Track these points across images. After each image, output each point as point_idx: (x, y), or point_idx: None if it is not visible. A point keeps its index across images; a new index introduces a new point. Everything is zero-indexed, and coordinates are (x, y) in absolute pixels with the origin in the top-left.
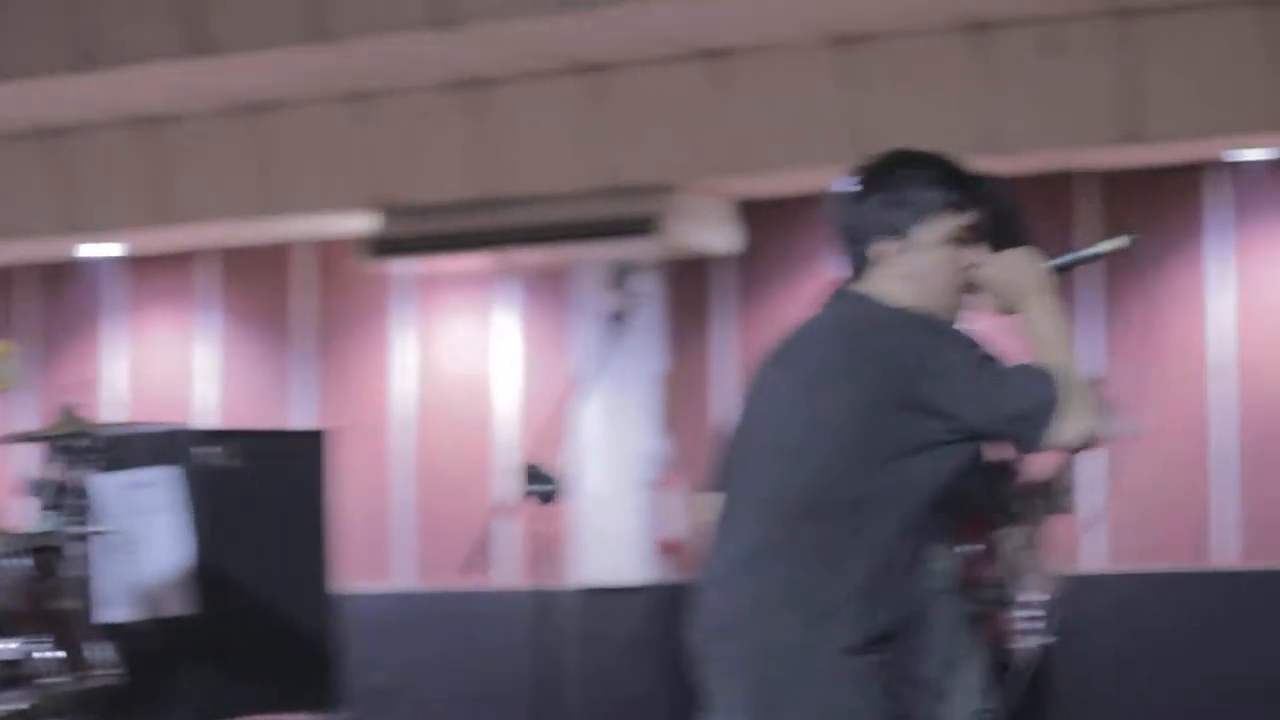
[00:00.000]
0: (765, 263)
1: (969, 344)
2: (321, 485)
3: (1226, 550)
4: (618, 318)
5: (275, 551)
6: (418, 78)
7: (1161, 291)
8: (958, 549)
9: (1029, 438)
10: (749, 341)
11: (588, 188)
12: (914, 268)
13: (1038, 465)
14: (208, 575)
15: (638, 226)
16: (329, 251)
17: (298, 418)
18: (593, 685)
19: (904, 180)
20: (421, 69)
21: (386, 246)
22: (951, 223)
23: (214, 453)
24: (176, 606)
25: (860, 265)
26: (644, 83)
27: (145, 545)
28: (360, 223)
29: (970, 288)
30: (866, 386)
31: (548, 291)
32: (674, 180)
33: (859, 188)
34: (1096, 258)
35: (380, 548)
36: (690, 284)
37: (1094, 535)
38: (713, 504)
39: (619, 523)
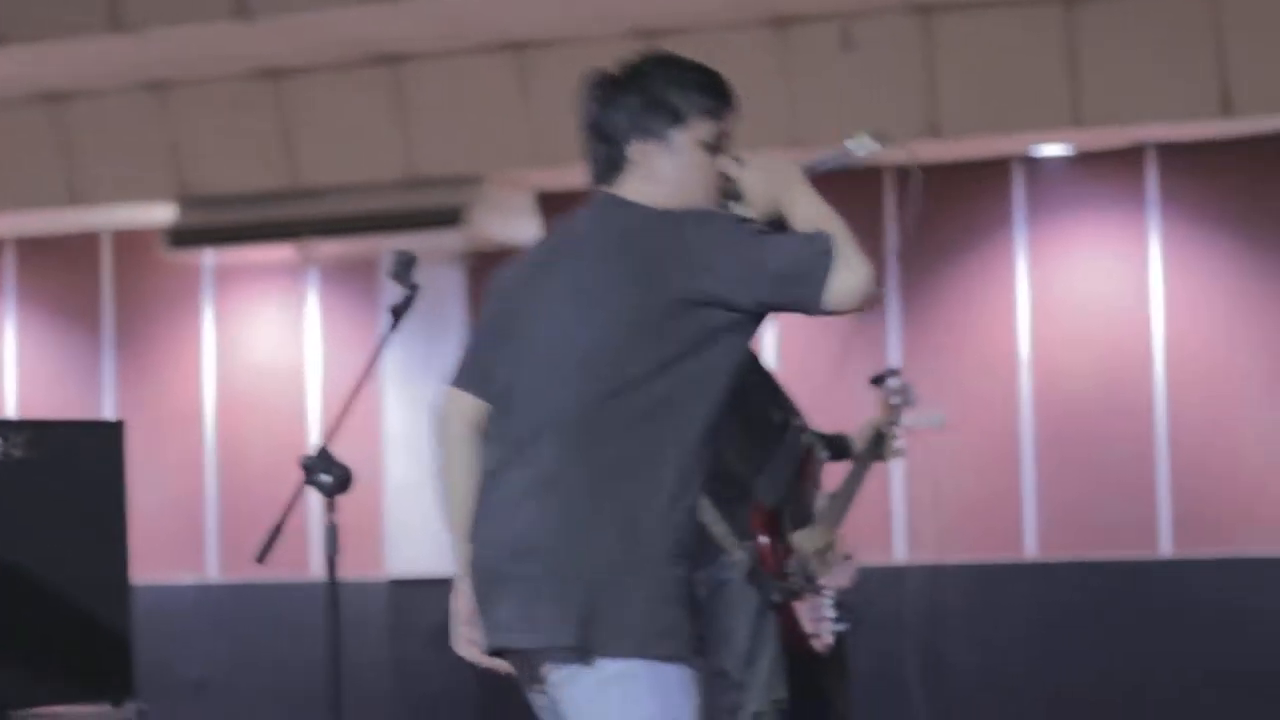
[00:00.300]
0: None
1: (735, 221)
2: (119, 477)
3: (1031, 544)
4: (397, 309)
5: (68, 544)
6: (218, 67)
7: (969, 285)
8: (751, 541)
9: (808, 298)
10: None
11: (391, 179)
12: (671, 171)
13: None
14: None
15: (442, 218)
16: (131, 241)
17: (101, 409)
18: (400, 678)
19: (662, 83)
20: (222, 59)
21: (187, 236)
22: (709, 128)
23: (2, 442)
24: None
25: (611, 167)
26: (446, 74)
27: None
28: (162, 213)
29: (726, 194)
30: (644, 291)
31: (354, 283)
32: (477, 172)
33: (614, 87)
34: (849, 163)
35: (192, 539)
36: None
37: (895, 528)
38: (463, 403)
39: (424, 514)
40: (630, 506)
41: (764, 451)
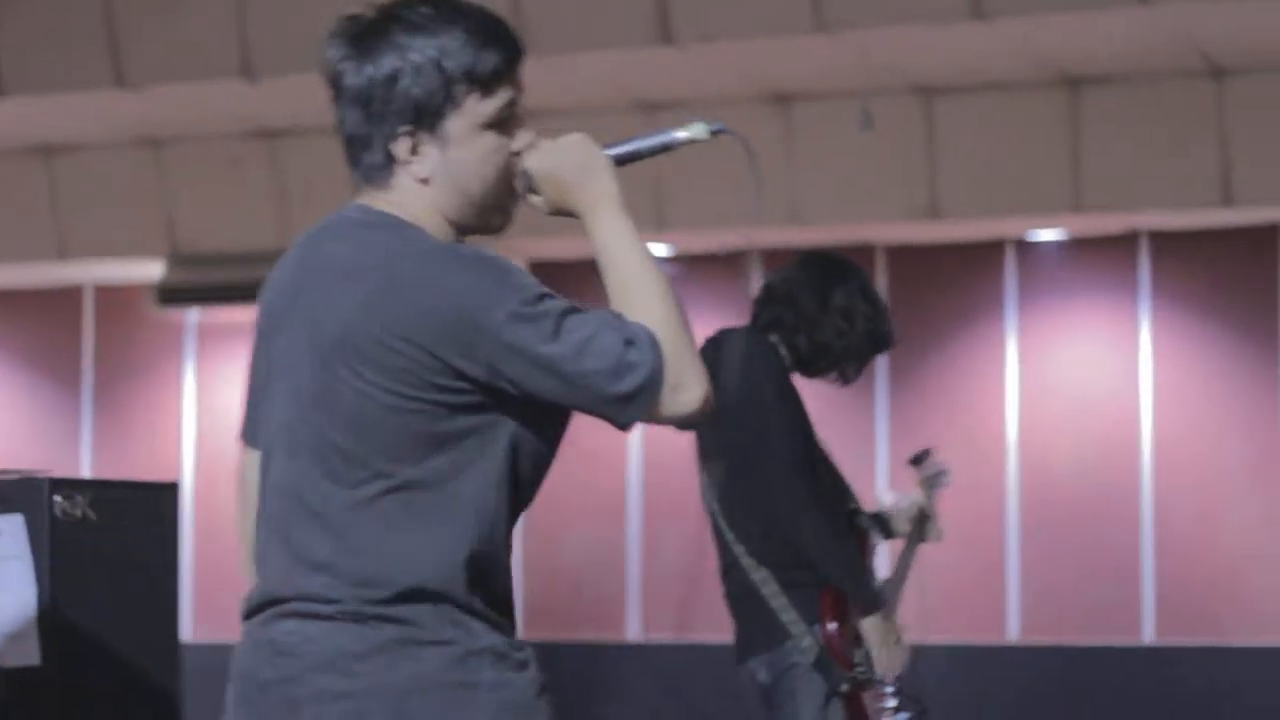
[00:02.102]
0: None
1: (531, 288)
2: (172, 537)
3: (1014, 627)
4: None
5: (123, 603)
6: (217, 125)
7: (959, 367)
8: (819, 626)
9: (626, 418)
10: None
11: None
12: (445, 166)
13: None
14: (52, 626)
15: None
16: (114, 297)
17: (78, 466)
18: None
19: (418, 44)
20: (221, 117)
21: (176, 295)
22: (494, 100)
23: (66, 502)
24: (20, 657)
25: (371, 160)
26: None
27: None
28: (145, 269)
29: (514, 184)
30: (402, 354)
31: None
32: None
33: (353, 51)
34: (667, 148)
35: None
36: None
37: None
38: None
39: None
40: None
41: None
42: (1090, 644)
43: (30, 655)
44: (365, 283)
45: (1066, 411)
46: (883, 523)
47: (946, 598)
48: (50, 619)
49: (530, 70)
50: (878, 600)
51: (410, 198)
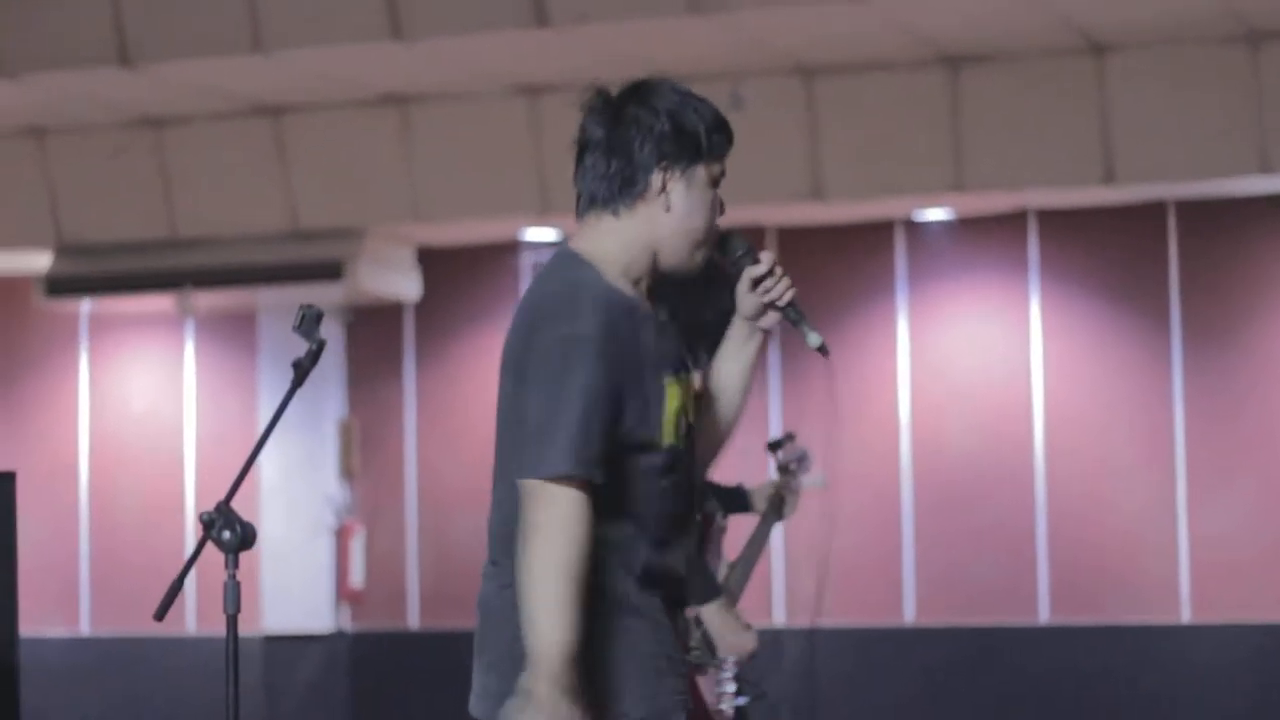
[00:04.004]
0: (444, 311)
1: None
2: (8, 528)
3: (910, 609)
4: (301, 364)
5: None
6: (99, 115)
7: (850, 348)
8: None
9: (520, 476)
10: (425, 388)
11: (271, 231)
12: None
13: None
14: None
15: (322, 271)
16: (7, 289)
17: None
18: None
19: (684, 110)
20: (102, 106)
21: (64, 285)
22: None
23: None
24: None
25: (625, 185)
26: (328, 126)
27: None
28: (39, 260)
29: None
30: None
31: (234, 335)
32: (358, 225)
33: (627, 105)
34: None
35: (65, 592)
36: (375, 330)
37: (774, 591)
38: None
39: (300, 570)
40: None
41: None
42: (986, 624)
43: None
44: None
45: (958, 391)
46: (736, 497)
47: (842, 580)
48: None
49: (404, 56)
50: (714, 590)
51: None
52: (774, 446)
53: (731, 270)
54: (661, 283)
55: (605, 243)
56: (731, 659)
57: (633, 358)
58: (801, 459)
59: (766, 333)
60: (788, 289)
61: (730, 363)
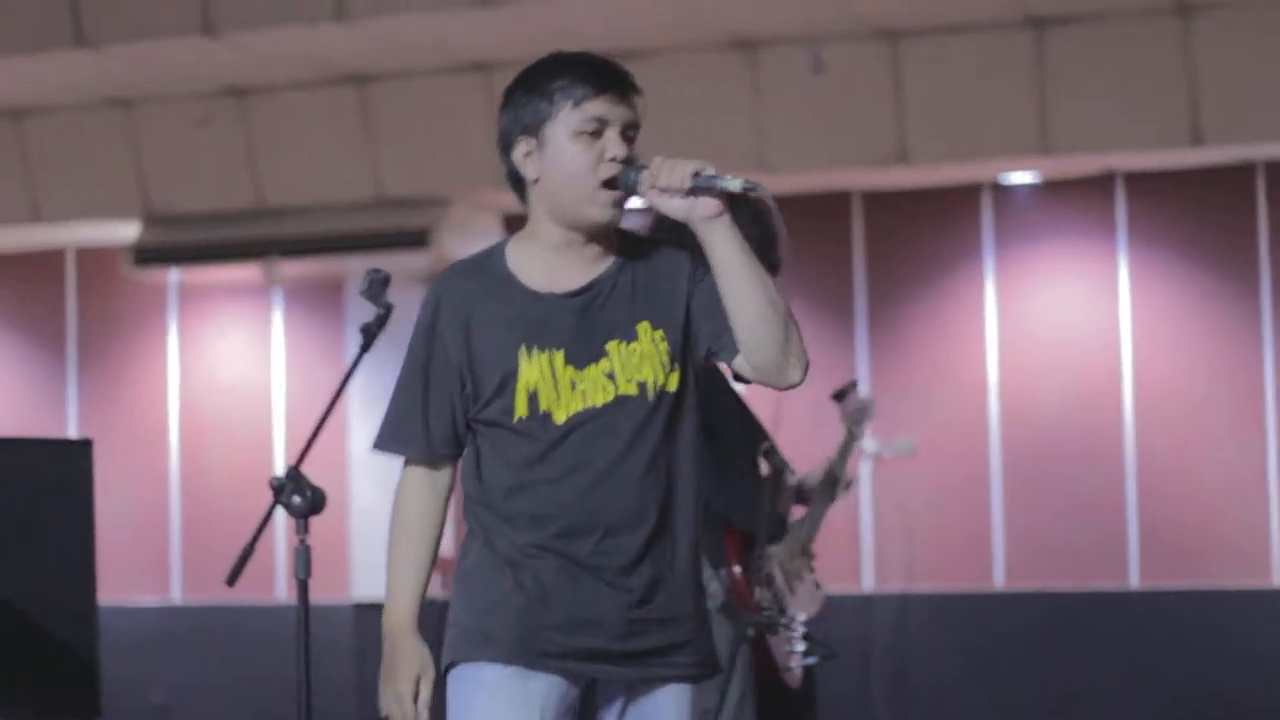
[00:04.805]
0: None
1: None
2: (86, 497)
3: (999, 573)
4: (369, 329)
5: (34, 564)
6: (184, 84)
7: (938, 312)
8: (724, 569)
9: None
10: None
11: (357, 199)
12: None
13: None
14: None
15: (408, 239)
16: (96, 259)
17: (65, 428)
18: (365, 702)
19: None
20: (188, 76)
21: (151, 255)
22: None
23: None
24: None
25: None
26: (413, 95)
27: None
28: (127, 231)
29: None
30: None
31: (321, 303)
32: (443, 193)
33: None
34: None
35: (156, 561)
36: None
37: (863, 556)
38: None
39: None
40: None
41: (736, 477)
42: (1075, 589)
43: None
44: None
45: (1047, 354)
46: (801, 493)
47: (931, 545)
48: None
49: (490, 22)
50: (782, 532)
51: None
52: (839, 396)
53: (639, 196)
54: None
55: (529, 224)
56: (800, 617)
57: (482, 333)
58: (863, 409)
59: (717, 217)
60: (676, 166)
61: (718, 278)
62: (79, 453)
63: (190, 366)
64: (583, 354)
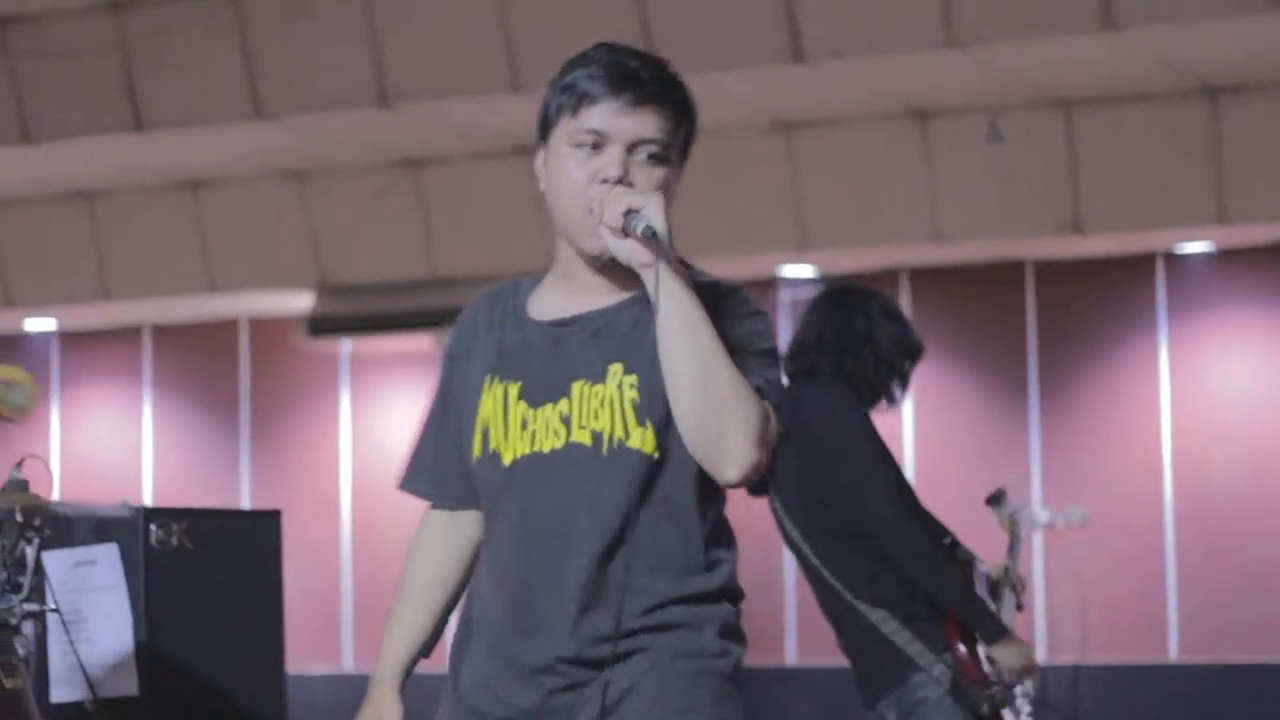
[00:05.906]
0: None
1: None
2: (274, 566)
3: (1174, 645)
4: None
5: (224, 633)
6: (358, 155)
7: (1111, 382)
8: (947, 653)
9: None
10: None
11: (529, 270)
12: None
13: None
14: (150, 657)
15: None
16: (269, 329)
17: (238, 497)
18: None
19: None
20: (362, 147)
21: (325, 325)
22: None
23: (161, 532)
24: (118, 687)
25: None
26: None
27: (89, 625)
28: (300, 300)
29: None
30: None
31: None
32: None
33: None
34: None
35: (330, 630)
36: None
37: (1036, 626)
38: None
39: None
40: None
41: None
42: (1250, 660)
43: (128, 686)
44: None
45: (1221, 425)
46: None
47: (1106, 616)
48: (148, 650)
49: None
50: (1001, 626)
51: None
52: (993, 502)
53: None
54: None
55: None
56: (1021, 685)
57: (477, 364)
58: (1018, 511)
59: (646, 268)
60: (615, 200)
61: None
62: (268, 523)
63: (362, 436)
64: (540, 390)
